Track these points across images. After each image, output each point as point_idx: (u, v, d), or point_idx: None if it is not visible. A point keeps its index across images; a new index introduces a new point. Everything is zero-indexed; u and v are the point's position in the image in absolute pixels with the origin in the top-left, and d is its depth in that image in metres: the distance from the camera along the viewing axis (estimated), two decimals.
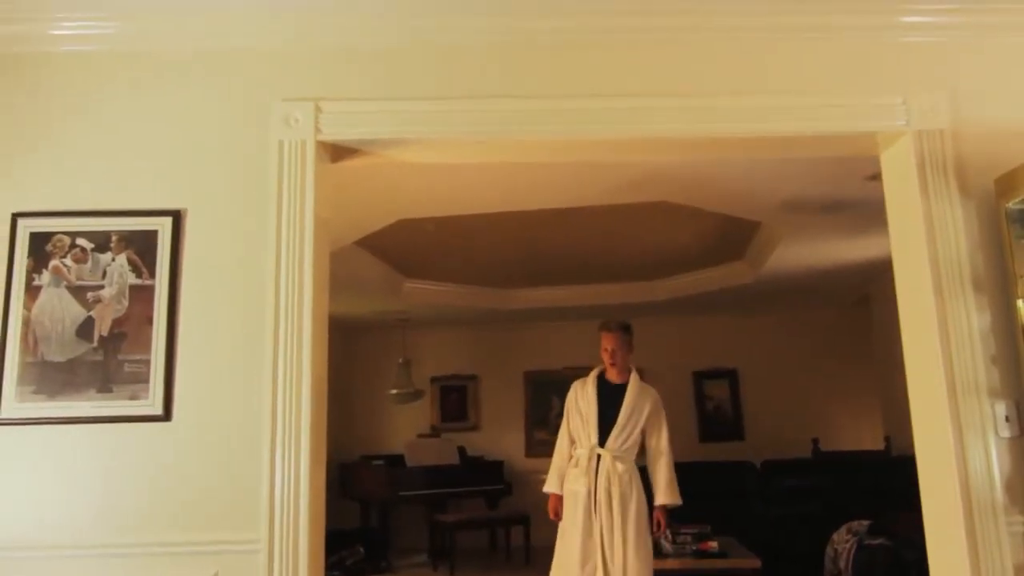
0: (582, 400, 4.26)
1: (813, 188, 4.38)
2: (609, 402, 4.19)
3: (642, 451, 4.34)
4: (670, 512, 4.25)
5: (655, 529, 4.15)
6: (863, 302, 7.50)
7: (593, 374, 4.37)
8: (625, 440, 4.14)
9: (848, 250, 5.79)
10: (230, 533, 2.64)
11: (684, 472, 7.09)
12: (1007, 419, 2.76)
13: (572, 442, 4.24)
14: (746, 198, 4.71)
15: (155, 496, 2.68)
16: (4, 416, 2.69)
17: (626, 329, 4.36)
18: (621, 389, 4.26)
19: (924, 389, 2.90)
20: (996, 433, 2.75)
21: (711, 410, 8.68)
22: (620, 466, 4.07)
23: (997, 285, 2.82)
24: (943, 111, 2.88)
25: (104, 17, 2.89)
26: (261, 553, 2.60)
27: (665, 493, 4.18)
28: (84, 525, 2.66)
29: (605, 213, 5.07)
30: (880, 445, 7.57)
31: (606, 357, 4.29)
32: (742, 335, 8.53)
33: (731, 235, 6.11)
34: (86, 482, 2.69)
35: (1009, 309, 2.79)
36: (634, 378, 4.30)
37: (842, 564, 4.94)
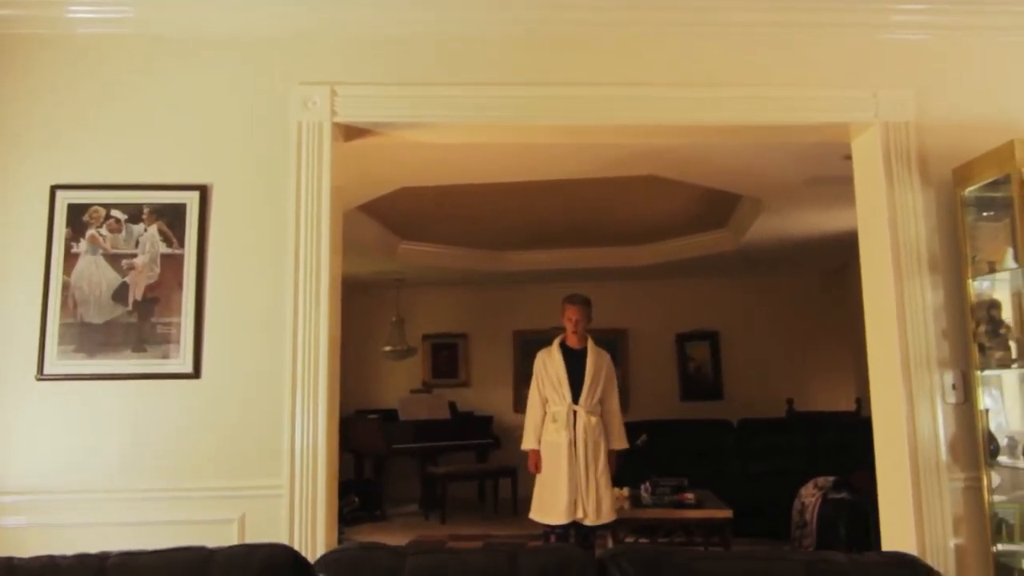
0: (550, 365, 4.81)
1: (794, 165, 4.65)
2: (574, 365, 4.76)
3: None
4: (620, 454, 4.91)
5: (611, 469, 4.79)
6: (840, 270, 7.83)
7: (556, 343, 4.91)
8: (594, 396, 4.73)
9: (827, 221, 6.08)
10: (255, 479, 2.93)
11: (665, 429, 7.53)
12: (953, 387, 3.07)
13: (544, 402, 4.77)
14: (730, 174, 4.98)
15: (186, 446, 2.96)
16: (47, 372, 2.95)
17: (587, 303, 4.91)
18: (582, 353, 4.81)
19: (881, 359, 3.21)
20: (943, 400, 3.07)
21: (692, 371, 9.03)
22: (593, 419, 4.69)
23: (951, 266, 3.11)
24: (909, 105, 3.14)
25: (135, 2, 3.09)
26: (283, 497, 2.90)
27: (619, 440, 4.82)
28: (120, 472, 2.94)
29: (595, 183, 5.32)
30: (852, 406, 7.95)
31: (569, 325, 4.83)
32: (724, 299, 8.85)
33: (715, 205, 6.37)
34: (122, 433, 2.96)
35: (960, 288, 3.08)
36: (591, 344, 4.86)
37: (808, 516, 5.32)
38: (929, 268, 3.10)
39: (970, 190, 3.08)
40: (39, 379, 2.94)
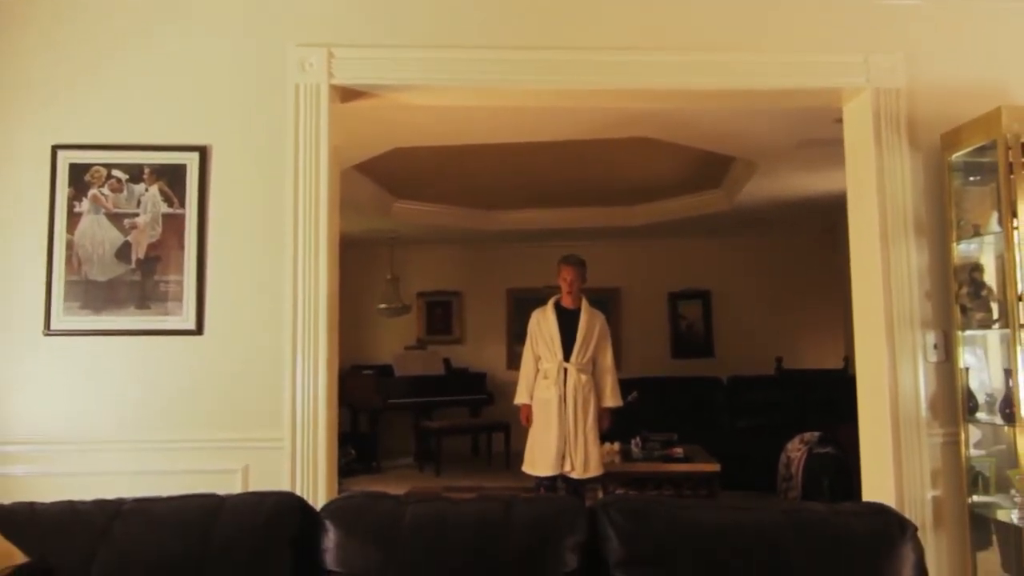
0: (544, 324, 4.92)
1: (787, 127, 4.69)
2: (567, 325, 4.87)
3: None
4: (612, 412, 5.03)
5: (602, 425, 4.92)
6: (831, 231, 7.89)
7: (551, 302, 5.00)
8: (584, 355, 4.84)
9: (819, 183, 6.13)
10: (257, 432, 3.02)
11: (656, 386, 7.67)
12: (935, 347, 3.17)
13: (537, 359, 4.89)
14: (724, 136, 5.01)
15: (190, 399, 3.04)
16: (54, 328, 3.02)
17: (582, 264, 5.00)
18: (576, 313, 4.92)
19: (866, 319, 3.30)
20: (925, 359, 3.17)
21: (684, 329, 9.15)
22: (583, 377, 4.81)
23: (936, 229, 3.18)
24: (900, 71, 3.18)
25: None
26: (285, 449, 3.00)
27: (611, 398, 4.92)
28: (127, 423, 3.03)
29: (589, 144, 5.34)
30: (840, 364, 8.10)
31: (564, 285, 4.93)
32: (716, 259, 8.93)
33: (709, 166, 6.41)
34: (128, 387, 3.04)
35: (945, 251, 3.16)
36: (585, 304, 4.96)
37: (794, 469, 5.48)
38: (915, 231, 3.17)
39: (958, 155, 3.14)
40: (46, 334, 3.01)
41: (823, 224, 7.89)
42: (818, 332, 8.73)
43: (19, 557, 1.52)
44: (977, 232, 3.14)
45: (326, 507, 1.81)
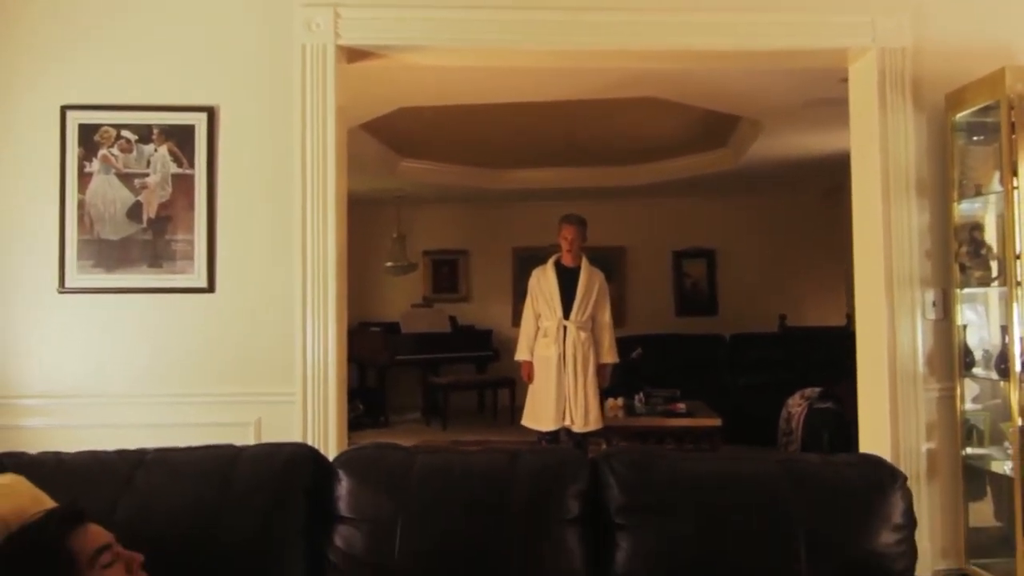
0: (544, 283, 4.97)
1: (793, 87, 4.67)
2: (567, 283, 4.92)
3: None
4: (611, 367, 5.12)
5: (602, 381, 5.01)
6: (836, 190, 7.86)
7: (551, 261, 5.05)
8: (584, 312, 4.89)
9: (824, 142, 6.11)
10: (269, 386, 3.11)
11: (660, 343, 7.74)
12: (934, 304, 3.22)
13: (537, 317, 4.96)
14: (730, 96, 5.00)
15: (203, 355, 3.12)
16: (68, 286, 3.09)
17: (583, 223, 5.03)
18: (575, 272, 4.96)
19: (867, 277, 3.35)
20: (923, 316, 3.22)
21: (688, 287, 9.20)
22: (582, 334, 4.87)
23: (938, 189, 3.21)
24: (906, 30, 3.18)
25: None
26: (296, 403, 3.09)
27: (609, 354, 4.99)
28: (142, 378, 3.12)
29: (594, 103, 5.33)
30: (842, 322, 8.15)
31: (565, 244, 4.97)
32: (721, 218, 8.94)
33: (714, 125, 6.39)
34: (142, 343, 3.12)
35: (946, 210, 3.20)
36: (584, 262, 5.00)
37: (794, 424, 5.57)
38: (916, 191, 3.20)
39: (962, 115, 3.15)
40: (61, 292, 3.09)
41: (828, 183, 7.87)
42: (821, 290, 8.77)
43: (49, 502, 1.60)
44: (979, 191, 3.17)
45: (339, 457, 1.89)
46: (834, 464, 1.86)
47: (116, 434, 2.93)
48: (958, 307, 3.19)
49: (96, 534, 1.49)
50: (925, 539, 3.21)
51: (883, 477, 1.80)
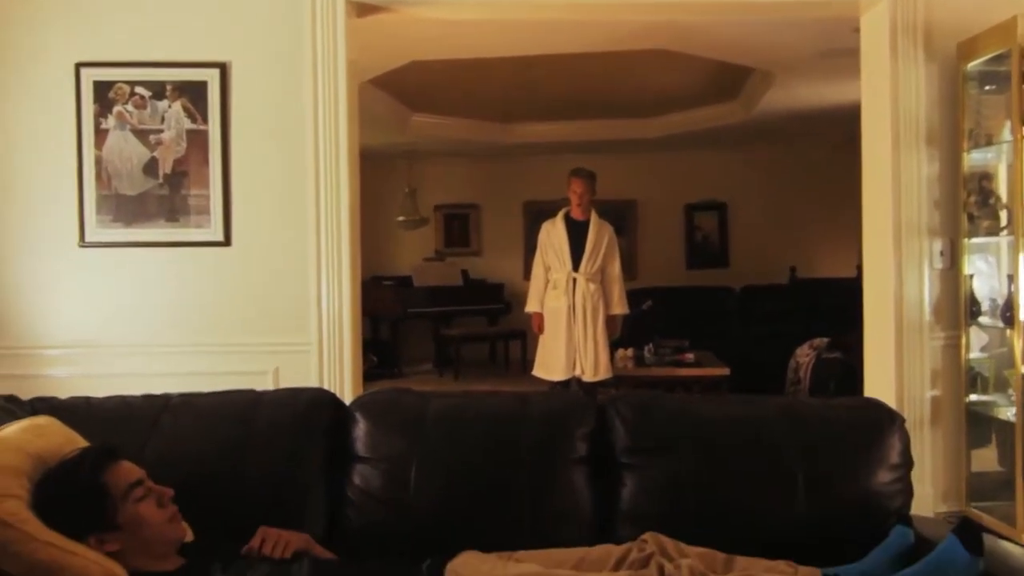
0: (553, 236, 5.03)
1: (805, 38, 4.62)
2: (576, 236, 4.97)
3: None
4: (621, 318, 5.24)
5: (611, 332, 5.11)
6: (848, 142, 7.77)
7: (560, 215, 5.09)
8: (593, 265, 4.96)
9: (836, 93, 6.04)
10: (286, 336, 3.19)
11: (671, 296, 7.78)
12: (941, 254, 3.25)
13: (547, 269, 5.02)
14: (742, 47, 4.95)
15: (221, 306, 3.20)
16: (88, 240, 3.16)
17: (592, 176, 5.05)
18: (585, 225, 5.01)
19: (875, 227, 3.37)
20: (931, 266, 3.25)
21: (700, 240, 9.20)
22: (592, 286, 4.94)
23: (948, 139, 3.21)
24: None
25: None
26: (312, 353, 3.17)
27: (618, 305, 5.07)
28: (162, 329, 3.21)
29: (605, 56, 5.29)
30: (853, 273, 8.15)
31: (574, 198, 5.01)
32: (733, 171, 8.88)
33: (726, 77, 6.32)
34: (162, 295, 3.20)
35: (955, 160, 3.20)
36: (594, 215, 5.04)
37: (802, 374, 5.63)
38: (926, 140, 3.20)
39: (973, 64, 3.14)
40: (81, 246, 3.16)
41: (840, 135, 7.78)
42: (833, 242, 8.74)
43: (81, 441, 1.68)
44: (990, 141, 3.16)
45: (355, 401, 1.97)
46: (833, 406, 1.93)
47: (139, 382, 3.01)
48: (965, 257, 3.21)
49: (128, 470, 1.58)
50: (927, 483, 3.28)
51: (881, 418, 1.86)
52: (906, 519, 1.73)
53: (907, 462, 1.85)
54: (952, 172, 3.21)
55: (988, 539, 1.51)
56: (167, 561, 1.58)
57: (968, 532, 1.51)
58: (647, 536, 1.66)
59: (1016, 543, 1.73)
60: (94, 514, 1.51)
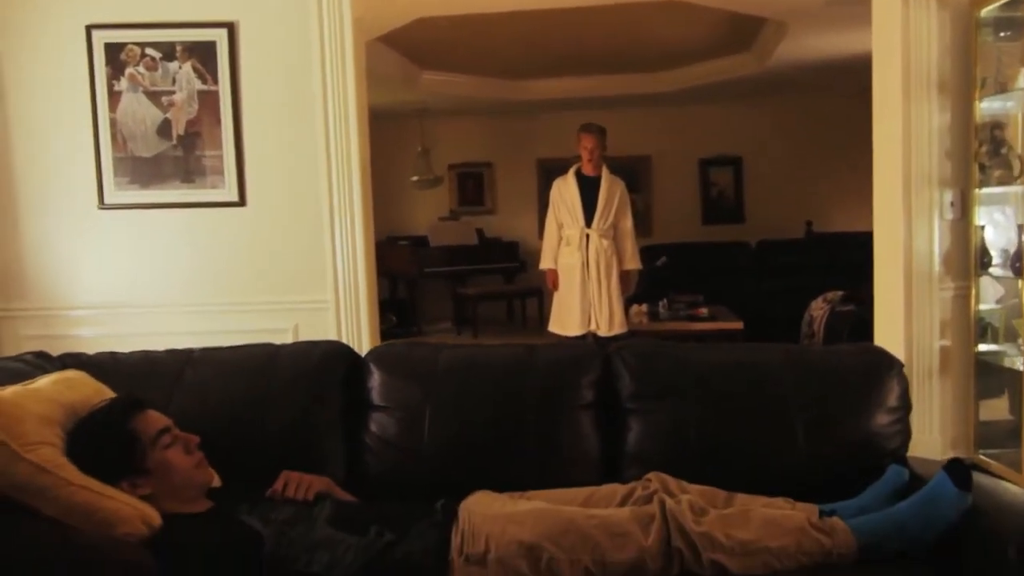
0: (565, 192, 5.04)
1: None
2: (588, 192, 4.98)
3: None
4: (634, 274, 5.28)
5: (626, 287, 5.15)
6: (863, 93, 7.69)
7: (571, 171, 5.09)
8: (605, 220, 4.97)
9: (851, 43, 5.96)
10: (303, 294, 3.26)
11: (686, 252, 7.79)
12: (952, 204, 3.25)
13: (560, 226, 5.04)
14: None
15: (239, 266, 3.27)
16: (108, 202, 3.23)
17: (602, 132, 5.04)
18: (596, 181, 5.01)
19: (885, 177, 3.37)
20: (941, 216, 3.25)
21: (715, 195, 9.15)
22: (604, 242, 4.96)
23: (960, 87, 3.18)
24: None
25: None
26: (330, 310, 3.24)
27: (631, 260, 5.11)
28: (181, 289, 3.29)
29: (616, 8, 5.25)
30: (869, 227, 8.10)
31: (585, 154, 5.00)
32: (747, 124, 8.80)
33: (738, 28, 6.24)
34: (181, 255, 3.28)
35: (967, 109, 3.18)
36: (605, 171, 5.05)
37: (816, 327, 5.65)
38: (938, 89, 3.18)
39: (987, 10, 3.10)
40: (101, 208, 3.23)
41: (855, 86, 7.66)
42: (849, 195, 8.67)
43: (110, 393, 1.77)
44: (1004, 89, 3.14)
45: (370, 353, 2.04)
46: (834, 352, 1.98)
47: (160, 342, 3.10)
48: (976, 207, 3.21)
49: (156, 418, 1.66)
50: (936, 431, 3.33)
51: (880, 363, 1.91)
52: (902, 459, 1.79)
53: (905, 405, 1.90)
54: (963, 121, 3.19)
55: (976, 476, 1.57)
56: (197, 504, 1.67)
57: (957, 469, 1.56)
58: (651, 476, 1.73)
59: (1018, 486, 1.78)
60: (125, 460, 1.59)
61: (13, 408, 1.55)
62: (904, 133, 3.19)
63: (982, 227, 3.24)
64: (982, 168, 3.19)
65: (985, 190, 3.22)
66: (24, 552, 1.42)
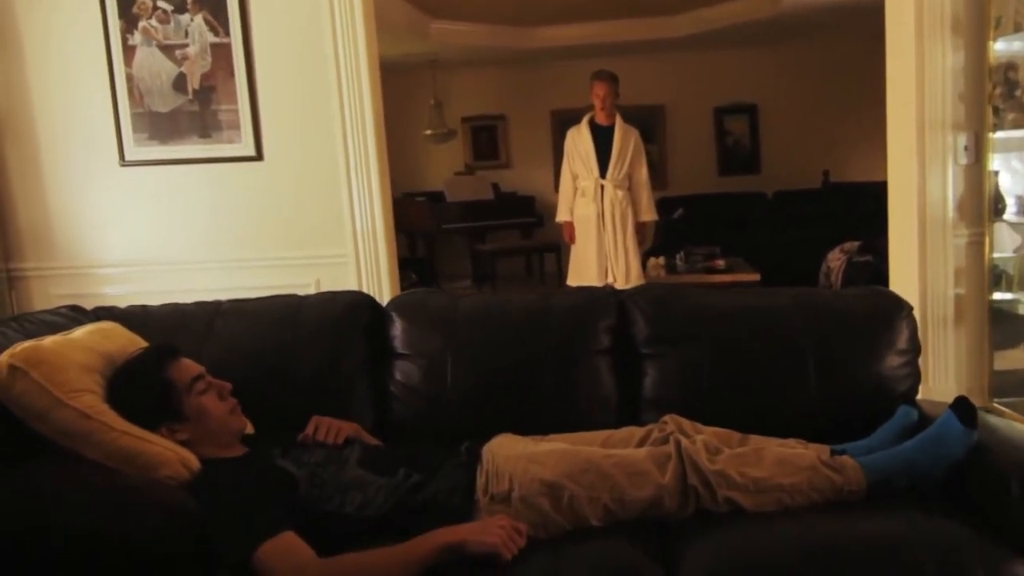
0: (579, 142, 5.00)
1: None
2: (602, 142, 4.94)
3: None
4: (650, 225, 5.31)
5: (642, 239, 5.16)
6: (880, 36, 7.56)
7: (585, 120, 5.05)
8: (620, 171, 4.95)
9: None
10: (323, 249, 3.31)
11: (701, 203, 7.77)
12: (966, 149, 3.23)
13: (574, 177, 5.01)
14: None
15: (259, 221, 3.32)
16: (128, 159, 3.28)
17: (614, 79, 4.99)
18: (610, 130, 4.97)
19: (899, 122, 3.35)
20: (955, 161, 3.24)
21: (730, 145, 9.08)
22: (619, 192, 4.95)
23: (974, 28, 3.13)
24: None
25: None
26: (350, 264, 3.29)
27: (647, 211, 5.09)
28: (203, 245, 3.35)
29: None
30: (887, 176, 8.03)
31: (597, 102, 4.96)
32: (763, 70, 8.66)
33: None
34: (201, 211, 3.33)
35: (981, 50, 3.13)
36: (618, 120, 5.00)
37: (833, 278, 5.67)
38: (951, 30, 3.13)
39: None
40: (122, 165, 3.28)
41: (872, 29, 7.55)
42: (867, 143, 8.54)
43: (144, 343, 1.84)
44: (1018, 28, 3.09)
45: (391, 302, 2.10)
46: (844, 297, 2.01)
47: (184, 299, 3.20)
48: (990, 152, 3.19)
49: (190, 366, 1.73)
50: (951, 379, 3.35)
51: (890, 307, 1.94)
52: (911, 401, 1.84)
53: (915, 347, 1.94)
54: (977, 63, 3.14)
55: (981, 414, 1.62)
56: (232, 449, 1.75)
57: (963, 408, 1.61)
58: (667, 418, 1.79)
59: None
60: (163, 406, 1.67)
61: (55, 357, 1.62)
62: (917, 75, 3.15)
63: (996, 173, 3.22)
64: (996, 111, 3.16)
65: (999, 134, 3.19)
66: (72, 493, 1.51)
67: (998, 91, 3.10)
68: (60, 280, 3.34)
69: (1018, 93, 3.08)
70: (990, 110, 3.13)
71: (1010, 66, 3.09)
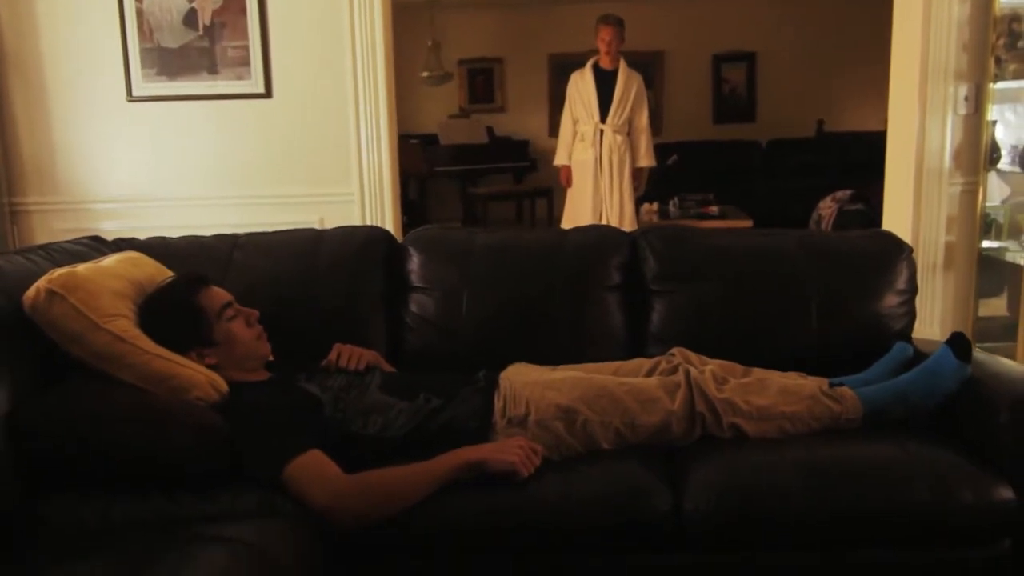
0: (582, 86, 5.00)
1: None
2: (604, 86, 4.95)
3: None
4: (647, 171, 5.27)
5: (638, 185, 5.19)
6: None
7: (588, 64, 5.04)
8: (620, 116, 4.96)
9: None
10: (329, 187, 3.35)
11: (696, 151, 7.79)
12: (966, 99, 3.28)
13: (575, 122, 5.03)
14: None
15: (266, 158, 3.35)
16: (136, 94, 3.28)
17: (620, 23, 4.98)
18: (613, 75, 4.97)
19: (902, 71, 3.39)
20: (954, 111, 3.29)
21: (727, 93, 9.05)
22: (618, 137, 4.96)
23: None
24: None
25: None
26: (355, 203, 3.33)
27: (645, 157, 5.11)
28: (209, 181, 3.38)
29: None
30: (881, 126, 8.06)
31: (602, 47, 4.95)
32: (762, 17, 8.58)
33: None
34: (208, 147, 3.35)
35: (987, 1, 3.17)
36: (622, 64, 5.00)
37: (824, 225, 5.74)
38: None
39: None
40: (129, 100, 3.28)
41: None
42: (863, 93, 8.58)
43: (170, 272, 1.89)
44: None
45: (408, 236, 2.16)
46: (846, 238, 2.09)
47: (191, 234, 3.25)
48: (990, 102, 3.24)
49: (219, 293, 1.79)
50: (936, 324, 3.45)
51: (890, 248, 2.02)
52: (907, 339, 1.93)
53: (912, 288, 2.03)
54: (984, 13, 3.18)
55: (976, 350, 1.71)
56: (258, 374, 1.82)
57: (959, 343, 1.70)
58: (675, 350, 1.88)
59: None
60: (194, 330, 1.73)
61: (89, 284, 1.67)
62: (924, 24, 3.18)
63: (993, 122, 3.28)
64: (998, 61, 3.21)
65: (1000, 85, 3.24)
66: (108, 411, 1.57)
67: (1002, 42, 3.14)
68: (64, 215, 3.37)
69: (1021, 44, 3.12)
70: (992, 61, 3.18)
71: (1014, 17, 3.13)
